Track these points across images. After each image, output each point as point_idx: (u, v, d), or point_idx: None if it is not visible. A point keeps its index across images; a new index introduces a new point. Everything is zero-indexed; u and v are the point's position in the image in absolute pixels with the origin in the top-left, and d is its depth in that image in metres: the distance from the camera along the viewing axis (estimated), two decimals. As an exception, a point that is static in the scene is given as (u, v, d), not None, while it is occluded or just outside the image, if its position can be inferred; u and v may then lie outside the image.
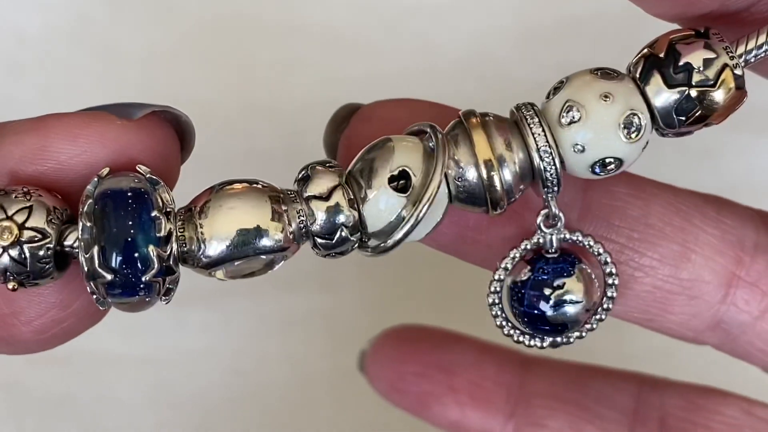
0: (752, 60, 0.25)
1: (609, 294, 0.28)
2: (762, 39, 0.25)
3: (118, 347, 0.46)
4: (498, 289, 0.28)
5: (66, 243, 0.24)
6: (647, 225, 0.29)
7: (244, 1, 0.47)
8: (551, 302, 0.27)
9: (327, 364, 0.46)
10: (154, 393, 0.46)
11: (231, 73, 0.47)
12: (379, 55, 0.47)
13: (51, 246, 0.24)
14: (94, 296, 0.24)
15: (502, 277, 0.28)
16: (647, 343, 0.32)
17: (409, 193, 0.25)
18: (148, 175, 0.24)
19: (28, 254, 0.24)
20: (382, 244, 0.25)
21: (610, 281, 0.28)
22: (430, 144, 0.25)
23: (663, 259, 0.29)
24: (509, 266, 0.28)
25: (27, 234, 0.24)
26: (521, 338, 0.28)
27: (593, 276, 0.28)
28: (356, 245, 0.25)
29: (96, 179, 0.24)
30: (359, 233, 0.25)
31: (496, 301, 0.28)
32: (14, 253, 0.23)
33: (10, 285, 0.24)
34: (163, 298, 0.24)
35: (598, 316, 0.28)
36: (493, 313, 0.28)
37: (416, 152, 0.25)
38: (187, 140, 0.27)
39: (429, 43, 0.47)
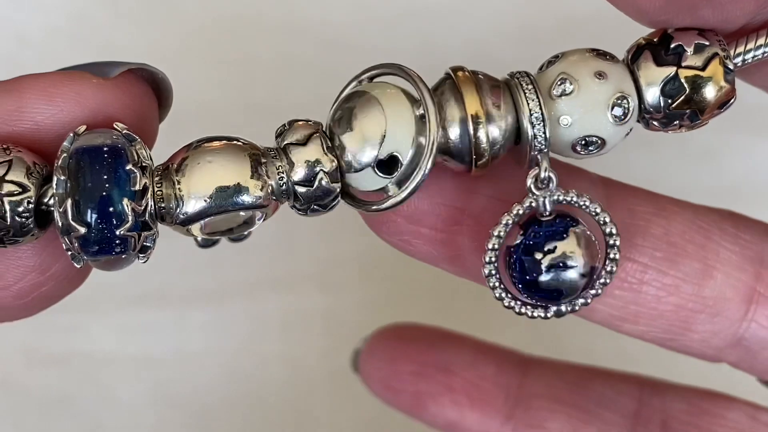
0: (749, 60, 0.26)
1: (611, 255, 0.26)
2: (759, 41, 0.26)
3: (118, 347, 0.46)
4: (493, 258, 0.26)
5: (46, 201, 0.24)
6: (669, 243, 0.28)
7: (244, 1, 0.47)
8: (544, 266, 0.26)
9: (326, 364, 0.46)
10: (154, 393, 0.46)
11: (231, 72, 0.47)
12: (379, 55, 0.47)
13: (32, 200, 0.23)
14: (69, 252, 0.23)
15: (497, 246, 0.26)
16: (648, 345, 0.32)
17: (394, 176, 0.25)
18: (124, 132, 0.24)
19: (8, 208, 0.23)
20: (372, 208, 0.25)
21: (611, 242, 0.26)
22: (420, 112, 0.25)
23: (686, 278, 0.28)
24: (503, 233, 0.26)
25: (6, 187, 0.23)
26: (523, 309, 0.27)
27: (593, 238, 0.26)
28: (337, 196, 0.25)
29: (72, 135, 0.24)
30: (339, 182, 0.25)
31: (493, 271, 0.26)
32: None
33: None
34: (140, 255, 0.24)
35: (602, 280, 0.27)
36: (491, 284, 0.26)
37: (407, 129, 0.25)
38: (165, 97, 0.26)
39: (429, 43, 0.46)
